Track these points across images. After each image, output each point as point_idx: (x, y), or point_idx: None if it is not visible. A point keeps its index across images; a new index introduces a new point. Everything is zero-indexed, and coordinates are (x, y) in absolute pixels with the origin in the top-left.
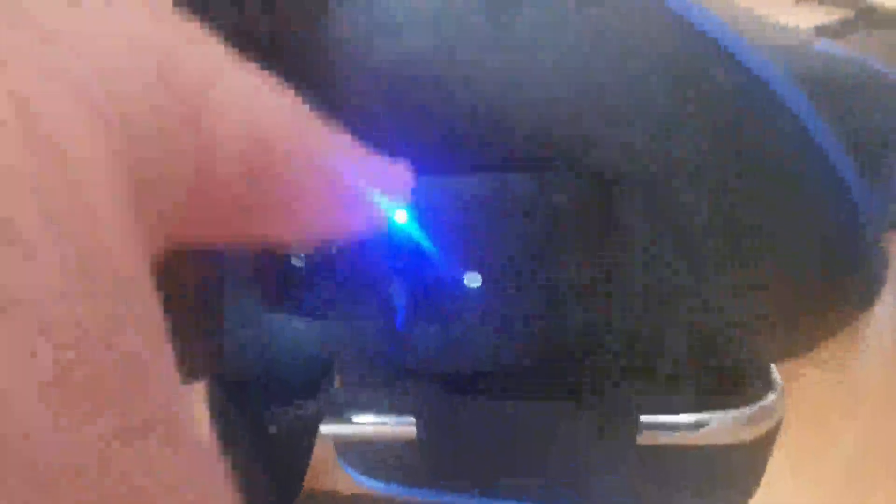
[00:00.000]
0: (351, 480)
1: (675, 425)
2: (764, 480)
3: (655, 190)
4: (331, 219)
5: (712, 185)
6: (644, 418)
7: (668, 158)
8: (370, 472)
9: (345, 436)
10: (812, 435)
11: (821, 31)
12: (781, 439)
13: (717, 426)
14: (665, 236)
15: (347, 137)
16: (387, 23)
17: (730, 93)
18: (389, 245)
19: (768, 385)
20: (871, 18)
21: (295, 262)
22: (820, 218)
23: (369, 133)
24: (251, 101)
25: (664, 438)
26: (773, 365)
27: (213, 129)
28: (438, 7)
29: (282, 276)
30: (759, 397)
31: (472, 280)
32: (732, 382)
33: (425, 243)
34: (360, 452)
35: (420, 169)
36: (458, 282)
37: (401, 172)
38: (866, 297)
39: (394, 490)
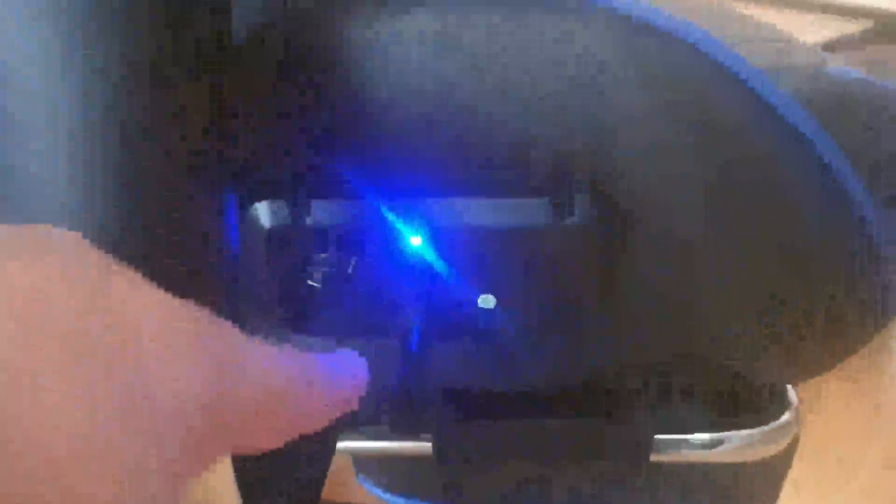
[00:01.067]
0: (369, 495)
1: (689, 444)
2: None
3: (667, 215)
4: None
5: (722, 211)
6: (659, 437)
7: (678, 184)
8: (387, 486)
9: (362, 451)
10: (834, 453)
11: (840, 42)
12: (802, 456)
13: (732, 445)
14: (675, 258)
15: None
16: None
17: (738, 118)
18: (406, 267)
19: (783, 404)
20: (890, 29)
21: (313, 283)
22: (832, 244)
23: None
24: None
25: (679, 456)
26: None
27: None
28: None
29: (300, 298)
30: (773, 417)
31: (487, 302)
32: (747, 402)
33: (440, 266)
34: (377, 467)
35: (437, 191)
36: (473, 303)
37: (355, 367)
38: (879, 320)
39: None
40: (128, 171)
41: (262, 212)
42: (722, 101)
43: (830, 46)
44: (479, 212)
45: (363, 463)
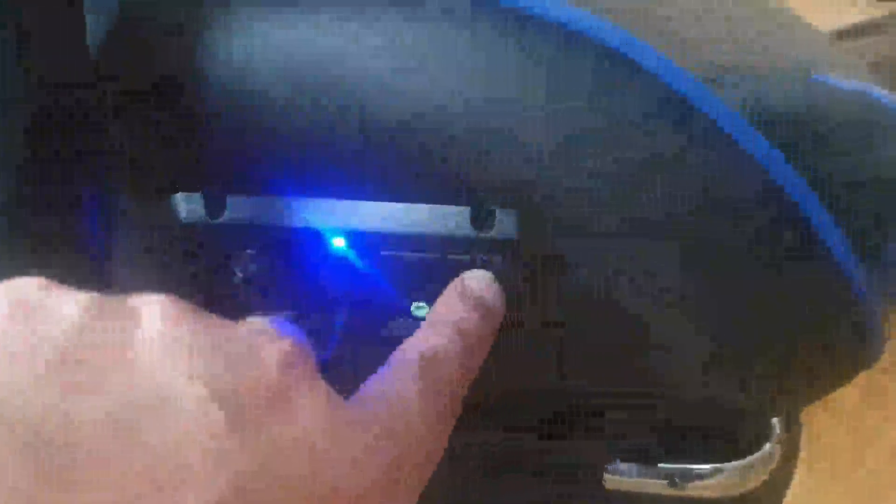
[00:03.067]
0: None
1: (654, 475)
2: None
3: (603, 239)
4: None
5: (669, 238)
6: (625, 467)
7: (610, 205)
8: None
9: None
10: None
11: (865, 27)
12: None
13: (704, 478)
14: (617, 286)
15: None
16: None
17: (673, 134)
18: (329, 269)
19: (765, 436)
20: None
21: (237, 277)
22: (803, 288)
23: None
24: None
25: (643, 487)
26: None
27: None
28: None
29: (223, 294)
30: (751, 449)
31: (420, 309)
32: (721, 433)
33: (363, 269)
34: None
35: (352, 192)
36: (406, 311)
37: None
38: (860, 362)
39: None
40: None
41: (178, 204)
42: (654, 114)
43: (856, 31)
44: (399, 216)
45: None
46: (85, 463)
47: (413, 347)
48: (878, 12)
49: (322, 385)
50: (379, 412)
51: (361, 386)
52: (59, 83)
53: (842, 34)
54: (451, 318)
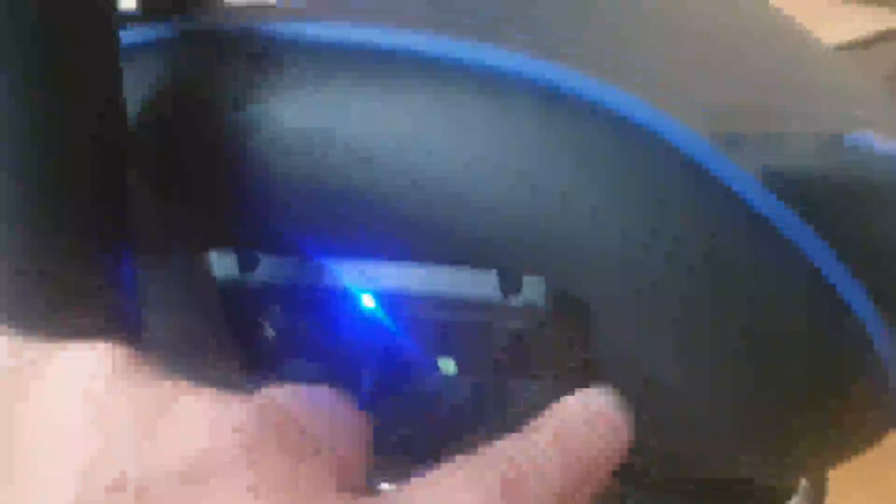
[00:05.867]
0: None
1: None
2: None
3: (627, 312)
4: None
5: (697, 314)
6: None
7: (630, 276)
8: None
9: None
10: None
11: (871, 40)
12: None
13: None
14: (643, 362)
15: None
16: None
17: (707, 215)
18: (358, 327)
19: (788, 491)
20: None
21: (268, 333)
22: (827, 356)
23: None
24: None
25: None
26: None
27: None
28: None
29: (254, 350)
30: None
31: (447, 366)
32: (742, 488)
33: (393, 328)
34: None
35: (379, 254)
36: (432, 368)
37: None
38: (887, 425)
39: None
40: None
41: (212, 261)
42: (663, 179)
43: (881, 37)
44: (426, 277)
45: None
46: None
47: (497, 455)
48: (880, 25)
49: None
50: None
51: (411, 481)
52: (91, 135)
53: (853, 44)
54: (553, 425)
